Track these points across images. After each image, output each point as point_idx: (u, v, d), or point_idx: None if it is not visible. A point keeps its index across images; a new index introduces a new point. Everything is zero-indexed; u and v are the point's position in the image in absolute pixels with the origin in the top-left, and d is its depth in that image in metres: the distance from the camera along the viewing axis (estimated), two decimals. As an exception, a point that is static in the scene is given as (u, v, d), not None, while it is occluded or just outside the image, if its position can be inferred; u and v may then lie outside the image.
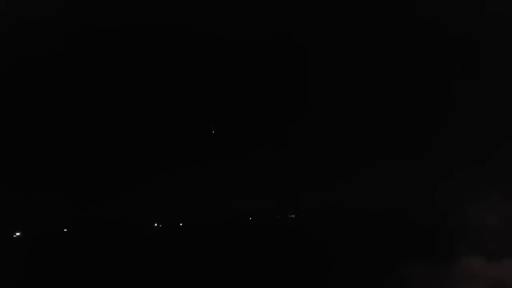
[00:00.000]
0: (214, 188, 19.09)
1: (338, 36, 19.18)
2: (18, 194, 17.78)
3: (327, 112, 19.56)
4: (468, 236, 17.03)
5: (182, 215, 19.20)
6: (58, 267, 17.13)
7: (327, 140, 19.57)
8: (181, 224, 19.19)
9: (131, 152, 19.06)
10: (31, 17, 17.16)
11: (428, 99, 19.64)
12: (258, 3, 18.46)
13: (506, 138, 18.53)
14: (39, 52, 17.68)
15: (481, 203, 17.32)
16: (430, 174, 19.01)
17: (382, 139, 19.51)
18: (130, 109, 19.05)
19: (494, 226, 17.28)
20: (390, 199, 18.87)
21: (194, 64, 19.09)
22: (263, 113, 19.85)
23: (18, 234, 18.13)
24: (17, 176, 18.10)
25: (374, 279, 16.69)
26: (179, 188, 18.92)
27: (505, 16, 18.25)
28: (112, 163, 18.96)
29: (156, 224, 19.20)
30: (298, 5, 18.67)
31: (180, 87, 19.29)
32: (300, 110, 19.61)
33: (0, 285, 16.20)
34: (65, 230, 18.54)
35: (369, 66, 19.31)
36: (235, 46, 18.93)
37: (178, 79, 19.17)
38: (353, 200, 19.13)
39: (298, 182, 19.41)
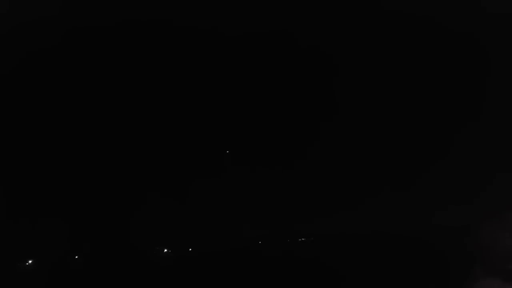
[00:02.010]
0: (222, 211, 18.96)
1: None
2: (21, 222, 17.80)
3: (338, 134, 19.32)
4: (483, 258, 16.65)
5: (191, 240, 19.10)
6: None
7: (339, 162, 19.35)
8: (190, 250, 19.09)
9: (137, 175, 19.01)
10: (31, 16, 17.16)
11: (438, 114, 19.24)
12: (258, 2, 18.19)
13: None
14: (39, 52, 17.45)
15: (495, 222, 16.95)
16: (442, 195, 18.70)
17: (392, 158, 19.22)
18: (134, 129, 18.95)
19: (509, 246, 16.89)
20: (401, 221, 18.60)
21: (195, 68, 18.84)
22: (271, 131, 19.66)
23: (30, 261, 18.14)
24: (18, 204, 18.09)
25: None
26: (187, 212, 18.83)
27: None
28: (116, 185, 18.90)
29: (166, 250, 19.11)
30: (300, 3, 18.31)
31: (184, 95, 19.07)
32: (309, 130, 19.44)
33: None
34: (76, 257, 18.51)
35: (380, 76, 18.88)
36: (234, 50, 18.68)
37: (180, 84, 18.94)
38: (362, 223, 18.88)
39: (307, 205, 19.21)
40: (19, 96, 18.09)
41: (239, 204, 18.89)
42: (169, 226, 18.79)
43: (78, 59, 18.31)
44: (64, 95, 18.47)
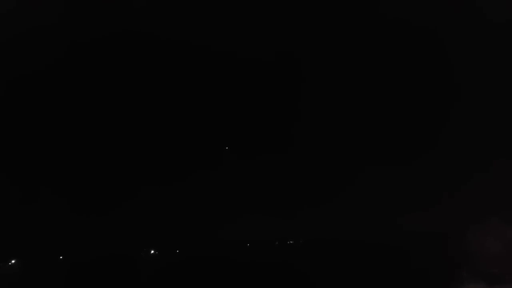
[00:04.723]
0: (211, 213, 18.95)
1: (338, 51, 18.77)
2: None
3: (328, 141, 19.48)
4: (468, 262, 16.87)
5: (178, 241, 19.06)
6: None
7: (324, 167, 19.50)
8: (177, 251, 19.07)
9: (125, 177, 18.95)
10: (33, 23, 17.16)
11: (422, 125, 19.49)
12: (256, 19, 18.21)
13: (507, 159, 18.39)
14: (41, 59, 17.65)
15: (481, 227, 17.18)
16: (426, 199, 18.89)
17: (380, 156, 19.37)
18: (124, 132, 18.95)
19: (495, 251, 17.14)
20: (386, 228, 18.79)
21: (194, 78, 19.04)
22: (260, 137, 19.77)
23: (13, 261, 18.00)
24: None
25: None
26: (175, 214, 18.79)
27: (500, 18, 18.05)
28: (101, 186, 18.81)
29: (152, 252, 19.06)
30: (297, 22, 18.38)
31: (176, 107, 19.04)
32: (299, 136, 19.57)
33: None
34: (60, 257, 18.40)
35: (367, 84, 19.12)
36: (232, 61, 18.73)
37: (176, 95, 18.98)
38: (350, 228, 18.99)
39: (297, 208, 19.27)
40: (17, 99, 18.16)
41: (228, 206, 18.93)
42: (156, 227, 18.75)
43: (79, 61, 18.44)
44: (59, 98, 18.55)
